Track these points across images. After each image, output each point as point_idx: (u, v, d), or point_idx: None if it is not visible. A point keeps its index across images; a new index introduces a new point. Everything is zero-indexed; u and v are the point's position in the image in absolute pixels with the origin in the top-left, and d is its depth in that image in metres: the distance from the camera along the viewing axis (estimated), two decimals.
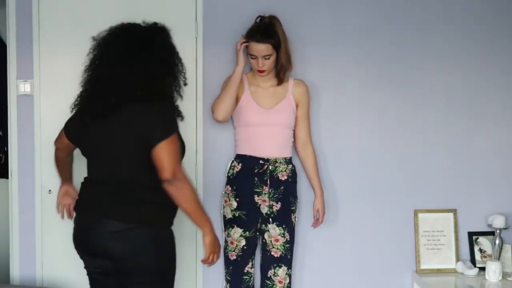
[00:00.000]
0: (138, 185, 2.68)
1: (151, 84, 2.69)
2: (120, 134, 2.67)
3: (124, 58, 2.68)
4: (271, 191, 3.45)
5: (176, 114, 2.81)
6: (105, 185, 2.72)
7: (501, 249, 3.70)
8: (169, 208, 2.76)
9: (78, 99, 2.81)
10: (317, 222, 3.60)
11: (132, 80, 2.67)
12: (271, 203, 3.45)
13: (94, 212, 2.71)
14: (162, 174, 2.62)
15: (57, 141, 3.05)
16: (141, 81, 2.67)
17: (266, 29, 3.40)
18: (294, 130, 3.56)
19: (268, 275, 3.49)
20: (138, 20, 2.83)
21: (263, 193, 3.44)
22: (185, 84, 2.85)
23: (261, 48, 3.37)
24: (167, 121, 2.68)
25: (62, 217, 3.23)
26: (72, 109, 2.83)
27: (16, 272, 3.62)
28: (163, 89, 2.74)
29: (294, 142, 3.58)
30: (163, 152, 2.62)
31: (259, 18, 3.49)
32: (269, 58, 3.40)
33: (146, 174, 2.67)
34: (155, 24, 2.83)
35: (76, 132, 2.84)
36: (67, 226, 3.64)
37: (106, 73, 2.69)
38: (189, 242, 3.68)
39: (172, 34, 3.59)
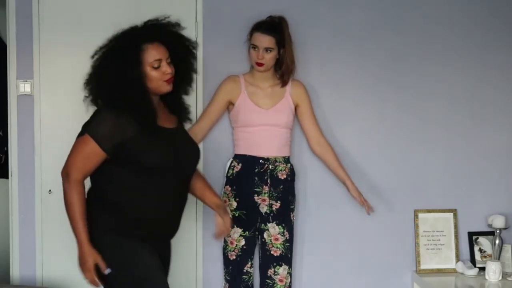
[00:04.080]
0: (92, 187, 2.76)
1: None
2: None
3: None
4: (271, 190, 3.45)
5: (137, 122, 2.66)
6: None
7: (501, 249, 3.70)
8: (114, 215, 2.69)
9: None
10: (368, 207, 3.56)
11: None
12: (270, 202, 3.45)
13: None
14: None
15: None
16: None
17: (273, 24, 3.43)
18: (303, 130, 3.59)
19: (268, 274, 3.49)
20: (138, 20, 2.83)
21: (263, 192, 3.44)
22: None
23: (264, 40, 3.38)
24: (92, 121, 2.66)
25: None
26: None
27: (16, 272, 3.62)
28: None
29: (308, 141, 3.60)
30: (72, 147, 2.68)
31: (269, 18, 3.49)
32: (270, 52, 3.40)
33: (95, 176, 2.72)
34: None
35: None
36: (67, 226, 3.65)
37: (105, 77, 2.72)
38: (189, 241, 3.68)
39: None
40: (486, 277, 3.64)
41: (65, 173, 2.65)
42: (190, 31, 3.64)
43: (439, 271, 3.76)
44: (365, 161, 3.82)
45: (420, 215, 3.80)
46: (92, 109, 2.75)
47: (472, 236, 3.83)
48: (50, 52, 3.60)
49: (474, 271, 3.69)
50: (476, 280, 3.65)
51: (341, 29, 3.77)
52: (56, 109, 3.63)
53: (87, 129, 2.65)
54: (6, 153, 3.87)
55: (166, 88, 2.73)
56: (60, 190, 3.60)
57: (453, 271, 3.77)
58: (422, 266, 3.77)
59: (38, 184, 3.61)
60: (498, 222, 3.69)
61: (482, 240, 3.82)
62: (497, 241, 3.69)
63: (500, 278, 3.62)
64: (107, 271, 2.62)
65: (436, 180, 3.85)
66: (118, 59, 2.64)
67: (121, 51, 2.66)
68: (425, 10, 3.81)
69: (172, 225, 2.84)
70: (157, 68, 2.68)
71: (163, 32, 2.77)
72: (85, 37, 3.62)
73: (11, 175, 3.62)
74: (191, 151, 2.86)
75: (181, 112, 2.92)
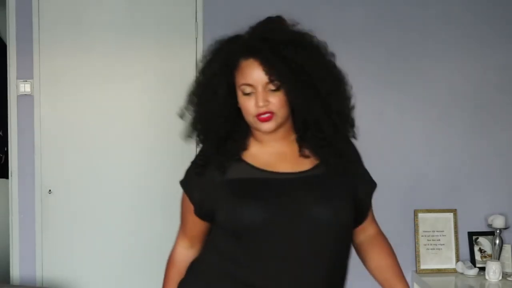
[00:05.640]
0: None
1: None
2: None
3: None
4: None
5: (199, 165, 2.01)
6: None
7: (501, 249, 3.70)
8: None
9: None
10: None
11: None
12: None
13: None
14: None
15: None
16: None
17: None
18: None
19: None
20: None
21: None
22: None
23: None
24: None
25: None
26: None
27: (16, 272, 3.62)
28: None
29: None
30: None
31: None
32: None
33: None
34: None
35: None
36: (67, 226, 3.66)
37: None
38: None
39: (172, 34, 3.63)
40: (486, 277, 3.63)
41: None
42: (190, 31, 3.66)
43: (439, 271, 3.76)
44: (365, 161, 3.80)
45: (420, 215, 3.80)
46: None
47: (472, 236, 3.83)
48: (50, 52, 3.60)
49: (474, 271, 3.69)
50: (476, 280, 3.64)
51: (340, 29, 3.76)
52: (56, 109, 3.63)
53: (182, 179, 2.03)
54: (6, 153, 3.88)
55: (262, 127, 1.90)
56: (59, 189, 3.63)
57: (453, 271, 3.77)
58: (422, 266, 3.77)
59: (38, 184, 3.61)
60: (498, 222, 3.69)
61: (482, 240, 3.82)
62: (497, 241, 3.69)
63: (500, 278, 3.62)
64: None
65: (436, 180, 3.85)
66: (210, 76, 1.95)
67: (212, 67, 1.96)
68: (425, 9, 3.81)
69: None
70: (248, 95, 1.90)
71: (263, 43, 1.97)
72: (85, 37, 3.63)
73: (11, 175, 3.62)
74: (318, 206, 1.89)
75: (323, 157, 2.04)
